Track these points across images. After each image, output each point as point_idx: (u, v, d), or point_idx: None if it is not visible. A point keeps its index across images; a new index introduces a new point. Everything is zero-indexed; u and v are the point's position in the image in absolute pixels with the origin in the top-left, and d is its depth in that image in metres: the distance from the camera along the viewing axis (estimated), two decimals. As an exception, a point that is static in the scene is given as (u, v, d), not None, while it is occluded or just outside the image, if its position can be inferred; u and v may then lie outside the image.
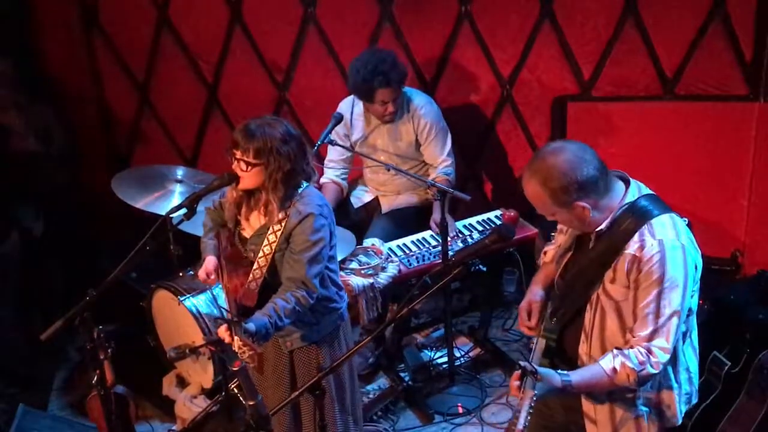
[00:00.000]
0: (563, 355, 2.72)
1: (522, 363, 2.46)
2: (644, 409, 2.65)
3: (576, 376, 2.52)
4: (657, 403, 2.66)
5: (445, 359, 4.42)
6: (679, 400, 2.66)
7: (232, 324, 2.83)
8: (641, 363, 2.46)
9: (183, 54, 5.08)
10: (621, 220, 2.51)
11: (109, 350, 3.00)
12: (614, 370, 2.47)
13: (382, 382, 4.38)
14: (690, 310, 2.57)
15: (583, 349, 2.66)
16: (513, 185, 5.21)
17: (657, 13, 4.57)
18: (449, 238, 4.01)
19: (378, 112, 4.30)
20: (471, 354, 4.65)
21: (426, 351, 4.67)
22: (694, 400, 2.74)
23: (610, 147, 4.71)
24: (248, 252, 3.15)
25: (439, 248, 4.00)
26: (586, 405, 2.72)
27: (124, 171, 4.47)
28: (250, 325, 2.85)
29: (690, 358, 2.67)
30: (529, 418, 2.42)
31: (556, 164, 2.43)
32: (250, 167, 2.95)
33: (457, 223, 4.37)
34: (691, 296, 2.54)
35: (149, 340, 4.23)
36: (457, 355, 4.53)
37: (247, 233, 3.17)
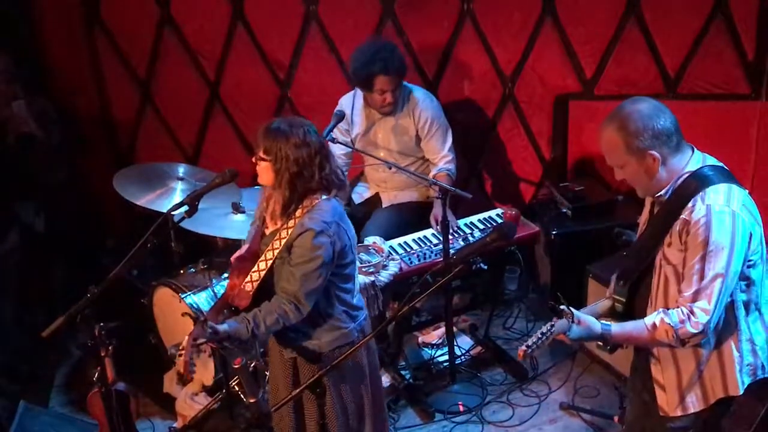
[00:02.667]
0: (634, 317, 2.78)
1: (562, 306, 2.60)
2: (707, 377, 2.72)
3: (616, 327, 2.65)
4: (719, 370, 2.71)
5: (446, 357, 4.43)
6: (740, 370, 2.71)
7: (198, 323, 2.86)
8: (681, 321, 2.54)
9: (185, 51, 5.08)
10: (681, 188, 2.60)
11: (110, 347, 3.01)
12: (654, 325, 2.58)
13: (383, 380, 4.38)
14: (751, 279, 2.64)
15: (649, 312, 2.73)
16: (515, 183, 5.23)
17: (659, 11, 4.57)
18: (450, 237, 4.01)
19: (377, 102, 4.30)
20: (472, 352, 4.65)
21: (427, 349, 4.67)
22: (761, 374, 2.75)
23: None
24: (262, 250, 3.15)
25: (441, 246, 3.99)
26: (655, 369, 2.81)
27: (126, 168, 4.47)
28: (224, 326, 2.88)
29: (756, 330, 2.71)
30: (538, 344, 2.56)
31: (634, 110, 2.57)
32: (260, 161, 2.99)
33: (458, 222, 4.37)
34: (750, 266, 2.61)
35: (150, 337, 4.24)
36: (458, 353, 4.53)
37: (268, 231, 3.17)
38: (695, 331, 2.54)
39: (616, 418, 3.99)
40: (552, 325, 2.59)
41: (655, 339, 2.59)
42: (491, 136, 5.15)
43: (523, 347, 2.57)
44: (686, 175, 2.60)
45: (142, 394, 4.27)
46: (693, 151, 2.64)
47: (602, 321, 2.66)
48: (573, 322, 2.59)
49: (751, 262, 2.61)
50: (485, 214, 4.46)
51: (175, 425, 4.18)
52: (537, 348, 2.57)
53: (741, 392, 2.73)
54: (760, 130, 4.54)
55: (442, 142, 4.45)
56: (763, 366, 2.75)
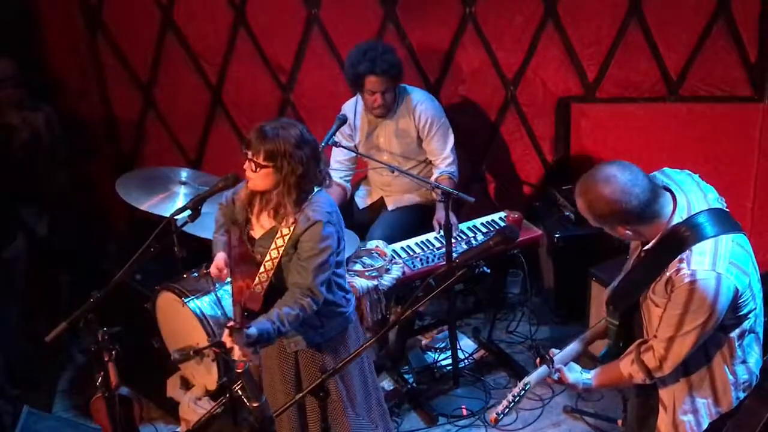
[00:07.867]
0: (630, 339, 2.83)
1: (542, 351, 2.84)
2: (701, 401, 2.78)
3: (596, 381, 2.84)
4: (713, 395, 2.78)
5: (449, 361, 4.42)
6: (735, 389, 2.77)
7: (234, 331, 2.84)
8: (654, 369, 2.69)
9: (187, 56, 5.08)
10: (668, 239, 2.59)
11: (113, 352, 3.00)
12: (630, 375, 2.75)
13: (386, 384, 4.38)
14: (744, 317, 2.66)
15: (644, 336, 2.79)
16: (517, 187, 5.23)
17: (661, 14, 4.57)
18: (452, 240, 4.00)
19: (368, 102, 4.30)
20: (475, 356, 4.65)
21: (430, 353, 4.67)
22: (754, 383, 2.83)
23: (614, 148, 4.70)
24: (256, 253, 3.15)
25: (443, 250, 3.99)
26: (661, 391, 2.85)
27: (129, 173, 4.47)
28: (252, 330, 2.87)
29: (749, 353, 2.75)
30: (510, 407, 2.80)
31: (601, 195, 2.53)
32: (259, 168, 2.94)
33: (461, 225, 4.37)
34: (741, 314, 2.64)
35: (153, 341, 4.23)
36: (461, 357, 4.53)
37: (256, 233, 3.16)
38: (661, 375, 2.71)
39: (619, 422, 3.98)
40: (526, 384, 2.81)
41: (632, 382, 2.80)
42: (494, 139, 5.15)
43: (494, 414, 2.82)
44: (672, 226, 2.58)
45: (145, 399, 4.27)
46: (675, 200, 2.60)
47: (583, 372, 2.83)
48: (552, 367, 2.81)
49: (742, 310, 2.63)
50: (488, 218, 4.46)
51: (178, 430, 4.18)
52: (510, 410, 2.82)
53: (734, 406, 2.78)
54: (762, 132, 4.54)
55: (444, 142, 4.44)
56: (757, 377, 2.80)
